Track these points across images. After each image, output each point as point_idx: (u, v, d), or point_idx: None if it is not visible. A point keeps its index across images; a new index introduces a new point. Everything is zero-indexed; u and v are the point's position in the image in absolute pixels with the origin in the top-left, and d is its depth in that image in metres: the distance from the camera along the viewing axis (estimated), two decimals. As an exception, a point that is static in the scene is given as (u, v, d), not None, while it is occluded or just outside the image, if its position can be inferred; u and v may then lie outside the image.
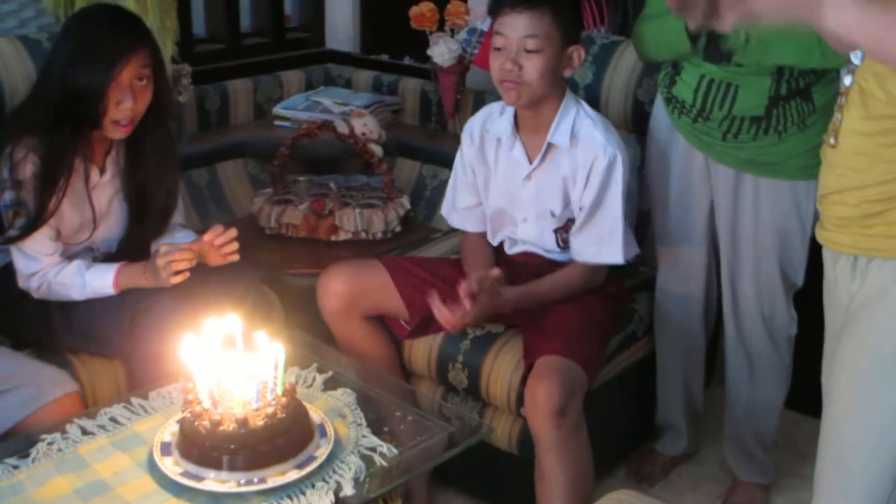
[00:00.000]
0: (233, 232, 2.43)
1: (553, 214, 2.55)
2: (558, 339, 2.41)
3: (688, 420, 2.94)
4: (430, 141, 3.62)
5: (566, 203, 2.53)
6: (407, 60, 4.05)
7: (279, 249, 3.15)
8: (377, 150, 3.35)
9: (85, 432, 2.02)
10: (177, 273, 2.35)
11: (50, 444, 1.97)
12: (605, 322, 2.60)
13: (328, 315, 2.63)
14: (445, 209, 2.78)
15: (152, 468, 1.89)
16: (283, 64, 4.03)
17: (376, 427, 2.05)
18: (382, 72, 3.98)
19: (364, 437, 2.01)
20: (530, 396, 2.33)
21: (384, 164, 3.30)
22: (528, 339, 2.52)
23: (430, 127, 3.73)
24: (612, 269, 2.58)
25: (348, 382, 2.22)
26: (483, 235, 2.72)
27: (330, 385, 2.21)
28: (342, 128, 3.31)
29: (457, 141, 2.72)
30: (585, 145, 2.47)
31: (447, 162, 2.76)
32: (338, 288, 2.60)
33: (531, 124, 2.52)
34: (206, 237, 2.42)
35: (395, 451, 1.97)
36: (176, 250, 2.36)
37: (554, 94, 2.47)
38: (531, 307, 2.51)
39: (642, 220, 2.86)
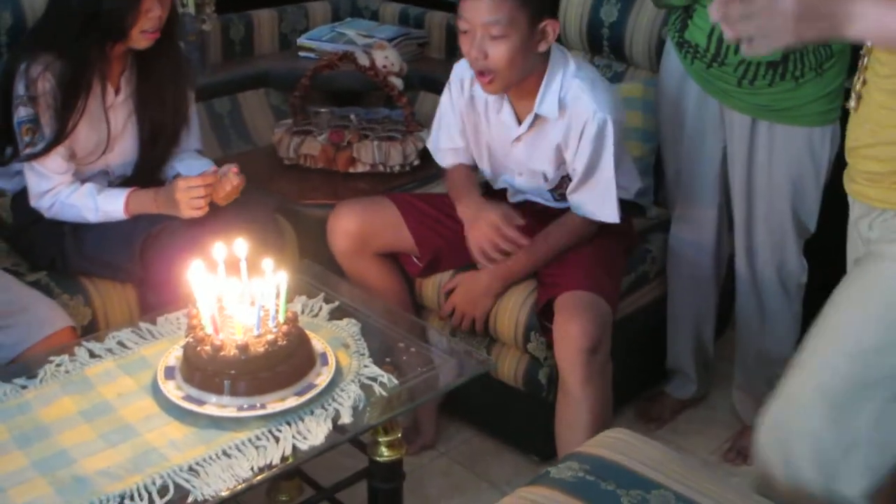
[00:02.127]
0: (230, 181, 2.43)
1: (546, 178, 2.51)
2: (581, 274, 2.38)
3: (698, 364, 2.94)
4: (453, 75, 3.59)
5: (559, 164, 2.49)
6: (435, -7, 4.01)
7: (297, 180, 3.15)
8: (398, 82, 3.33)
9: (93, 355, 2.04)
10: (198, 207, 2.37)
11: (58, 365, 2.00)
12: (618, 258, 2.59)
13: (339, 255, 2.62)
14: (431, 145, 2.72)
15: (155, 392, 1.91)
16: (310, -6, 4.00)
17: (379, 358, 2.06)
18: (409, 4, 3.95)
19: (365, 367, 2.02)
20: (561, 333, 2.31)
21: (404, 98, 3.28)
22: (543, 275, 2.50)
23: (455, 61, 3.69)
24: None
25: (355, 313, 2.22)
26: (469, 166, 2.67)
27: (336, 315, 2.21)
28: (363, 60, 3.29)
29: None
30: (574, 110, 2.39)
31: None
32: (348, 227, 2.57)
33: (516, 93, 2.44)
34: (214, 168, 2.44)
35: (395, 381, 1.98)
36: (194, 185, 2.37)
37: (535, 69, 2.37)
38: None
39: (660, 161, 2.83)
